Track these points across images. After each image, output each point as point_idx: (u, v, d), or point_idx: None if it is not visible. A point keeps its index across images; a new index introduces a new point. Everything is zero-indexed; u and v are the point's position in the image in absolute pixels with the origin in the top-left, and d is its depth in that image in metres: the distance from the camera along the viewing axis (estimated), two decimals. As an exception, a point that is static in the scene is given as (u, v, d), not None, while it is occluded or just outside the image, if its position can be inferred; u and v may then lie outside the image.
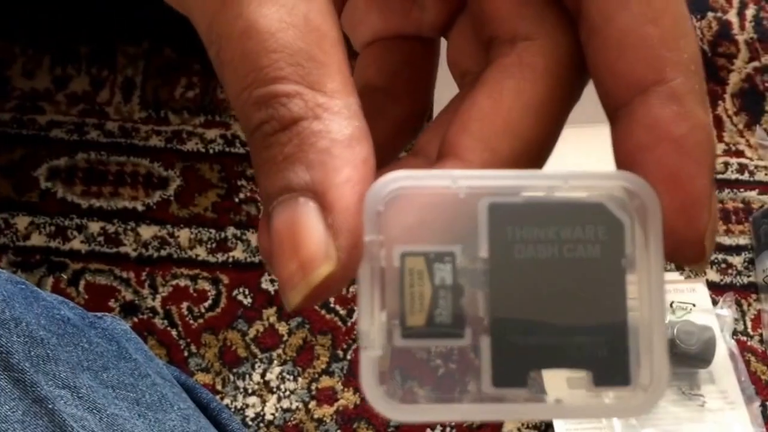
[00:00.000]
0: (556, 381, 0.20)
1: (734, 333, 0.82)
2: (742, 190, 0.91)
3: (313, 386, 0.78)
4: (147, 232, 0.83)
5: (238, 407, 0.77)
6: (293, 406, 0.77)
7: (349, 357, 0.79)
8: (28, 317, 0.52)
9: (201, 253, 0.83)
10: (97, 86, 0.91)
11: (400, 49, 0.26)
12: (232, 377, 0.78)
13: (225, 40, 0.19)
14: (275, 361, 0.79)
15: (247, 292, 0.81)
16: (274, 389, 0.78)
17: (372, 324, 0.20)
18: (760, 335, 0.83)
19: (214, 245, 0.83)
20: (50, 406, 0.48)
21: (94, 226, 0.83)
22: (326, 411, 0.77)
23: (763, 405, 0.79)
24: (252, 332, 0.80)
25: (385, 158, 0.23)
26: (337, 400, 0.78)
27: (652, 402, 0.20)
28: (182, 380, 0.67)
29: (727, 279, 0.86)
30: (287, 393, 0.78)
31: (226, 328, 0.80)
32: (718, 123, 0.94)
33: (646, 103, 0.20)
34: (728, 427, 0.77)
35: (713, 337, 0.77)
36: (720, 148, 0.92)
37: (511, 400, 0.20)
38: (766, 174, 0.92)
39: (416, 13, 0.25)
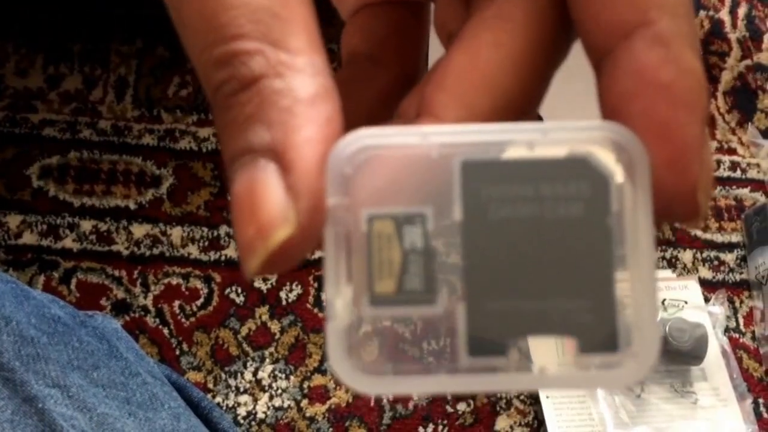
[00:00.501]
0: (539, 349, 0.19)
1: (726, 330, 0.82)
2: (734, 187, 0.91)
3: (305, 384, 0.78)
4: (139, 230, 0.83)
5: (230, 405, 0.77)
6: (285, 405, 0.77)
7: (341, 355, 0.79)
8: (19, 316, 0.52)
9: (193, 251, 0.83)
10: (90, 85, 0.91)
11: (388, 16, 0.25)
12: (223, 375, 0.78)
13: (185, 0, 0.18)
14: (267, 360, 0.79)
15: (239, 291, 0.81)
16: (266, 387, 0.78)
17: (338, 292, 0.19)
18: (753, 332, 0.83)
19: (206, 243, 0.83)
20: (40, 406, 0.48)
21: (86, 225, 0.83)
22: (318, 409, 0.77)
23: (755, 402, 0.79)
24: (244, 330, 0.80)
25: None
26: (329, 398, 0.78)
27: (642, 369, 0.18)
28: (173, 379, 0.67)
29: (720, 276, 0.86)
30: (279, 391, 0.78)
31: (218, 326, 0.80)
32: (711, 121, 0.94)
33: (630, 48, 0.18)
34: (720, 424, 0.77)
35: (705, 335, 0.77)
36: (712, 145, 0.93)
37: (490, 370, 0.19)
38: (758, 171, 0.92)
39: None
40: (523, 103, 0.20)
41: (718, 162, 0.92)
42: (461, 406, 0.78)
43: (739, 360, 0.81)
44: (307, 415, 0.77)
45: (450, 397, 0.78)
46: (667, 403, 0.78)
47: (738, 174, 0.92)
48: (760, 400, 0.80)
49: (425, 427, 0.77)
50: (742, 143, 0.94)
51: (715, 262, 0.87)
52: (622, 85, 0.18)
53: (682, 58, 0.18)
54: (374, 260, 0.19)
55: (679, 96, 0.18)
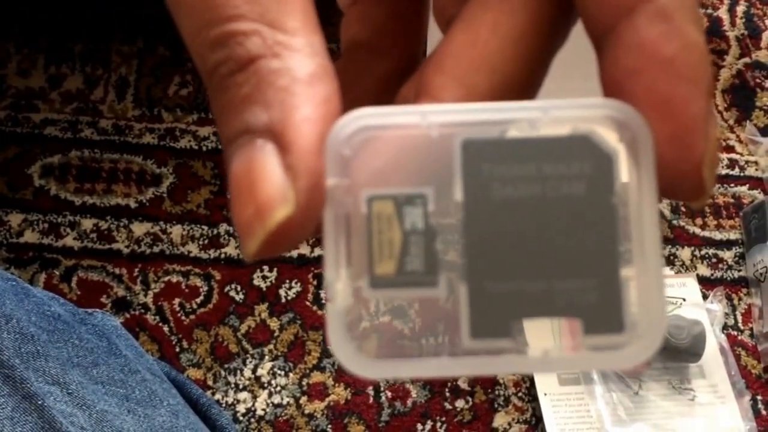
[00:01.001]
0: (543, 331, 0.19)
1: (725, 327, 0.82)
2: (732, 185, 0.91)
3: (305, 381, 0.78)
4: (140, 228, 0.84)
5: (230, 402, 0.77)
6: (284, 402, 0.77)
7: (340, 352, 0.80)
8: (19, 314, 0.52)
9: (193, 249, 0.83)
10: (91, 85, 0.91)
11: (386, 3, 0.24)
12: (223, 373, 0.78)
13: None
14: (266, 357, 0.79)
15: (238, 288, 0.82)
16: (266, 384, 0.78)
17: (338, 274, 0.19)
18: (751, 329, 0.83)
19: (206, 241, 0.84)
20: (40, 403, 0.48)
21: (87, 223, 0.84)
22: (317, 406, 0.78)
23: (753, 399, 0.79)
24: (243, 328, 0.80)
25: None
26: (328, 395, 0.78)
27: (648, 350, 0.18)
28: (172, 376, 0.67)
29: (718, 273, 0.86)
30: (278, 388, 0.78)
31: (217, 323, 0.80)
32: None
33: (632, 24, 0.18)
34: (718, 421, 0.77)
35: (703, 332, 0.77)
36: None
37: (493, 352, 0.18)
38: (756, 169, 0.92)
39: None
40: (522, 84, 0.20)
41: (717, 160, 0.93)
42: (460, 403, 0.78)
43: (738, 357, 0.81)
44: (306, 412, 0.77)
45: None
46: (665, 400, 0.78)
47: (736, 171, 0.92)
48: (759, 397, 0.80)
49: (423, 424, 0.77)
50: (740, 141, 0.94)
51: (714, 260, 0.87)
52: (624, 62, 0.18)
53: (684, 32, 0.18)
54: (374, 242, 0.19)
55: (682, 70, 0.18)
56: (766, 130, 0.94)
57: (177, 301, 0.81)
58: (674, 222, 0.88)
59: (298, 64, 0.18)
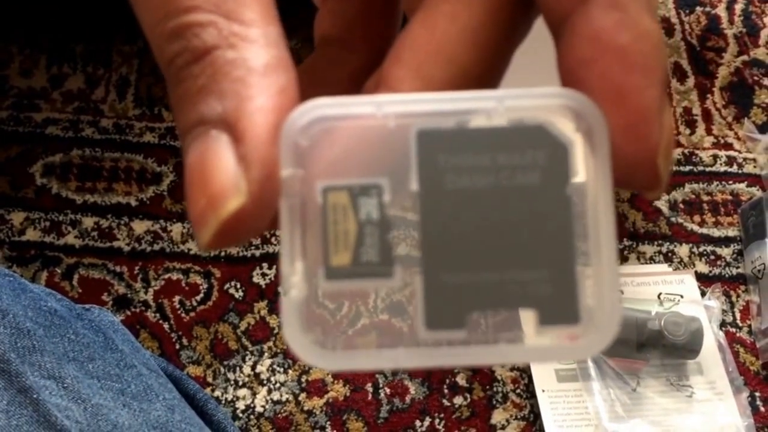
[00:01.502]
0: (498, 322, 0.19)
1: (723, 324, 0.82)
2: (730, 182, 0.91)
3: (303, 378, 0.79)
4: (140, 226, 0.84)
5: (229, 399, 0.78)
6: (283, 398, 0.78)
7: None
8: (16, 309, 0.53)
9: (193, 247, 0.84)
10: (93, 84, 0.92)
11: None
12: (223, 369, 0.79)
13: None
14: (266, 354, 0.80)
15: (238, 286, 0.82)
16: (265, 381, 0.78)
17: (293, 266, 0.18)
18: (749, 326, 0.83)
19: (206, 240, 0.84)
20: (35, 396, 0.49)
21: (88, 221, 0.84)
22: (316, 403, 0.78)
23: (751, 396, 0.79)
24: (243, 325, 0.81)
25: None
26: (326, 392, 0.78)
27: (604, 341, 0.18)
28: (170, 371, 0.68)
29: (716, 270, 0.86)
30: (277, 385, 0.78)
31: (217, 320, 0.81)
32: (707, 116, 0.94)
33: (586, 13, 0.18)
34: (716, 417, 0.77)
35: (701, 328, 0.77)
36: (709, 141, 0.93)
37: (448, 343, 0.18)
38: (754, 166, 0.92)
39: None
40: (481, 76, 0.20)
41: (715, 157, 0.93)
42: (458, 400, 0.79)
43: (736, 354, 0.81)
44: (305, 408, 0.78)
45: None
46: (663, 396, 0.78)
47: (735, 169, 0.92)
48: (757, 394, 0.80)
49: (422, 421, 0.78)
50: (738, 138, 0.94)
51: (712, 257, 0.87)
52: (579, 51, 0.18)
53: (638, 21, 0.18)
54: (329, 233, 0.18)
55: (635, 59, 0.18)
56: (764, 128, 0.94)
57: (177, 298, 0.81)
58: (672, 219, 0.88)
59: (253, 54, 0.18)
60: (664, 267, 0.85)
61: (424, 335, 0.18)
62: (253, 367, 0.79)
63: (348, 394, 0.78)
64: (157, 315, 0.80)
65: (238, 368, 0.79)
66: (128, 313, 0.80)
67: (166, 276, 0.82)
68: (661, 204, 0.89)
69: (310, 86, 0.20)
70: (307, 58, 0.24)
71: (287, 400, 0.78)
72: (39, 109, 0.89)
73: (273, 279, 0.83)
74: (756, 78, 0.97)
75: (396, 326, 0.18)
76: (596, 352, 0.18)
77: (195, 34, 0.18)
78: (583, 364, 0.78)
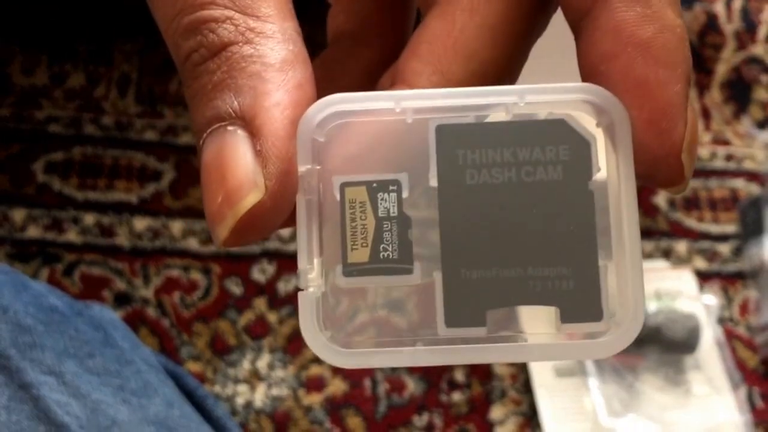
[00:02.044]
0: (521, 319, 0.19)
1: (721, 320, 0.83)
2: (729, 178, 0.91)
3: (303, 374, 0.79)
4: (141, 223, 0.85)
5: (229, 395, 0.78)
6: (282, 394, 0.78)
7: (337, 345, 0.80)
8: (16, 305, 0.53)
9: (193, 244, 0.84)
10: (94, 82, 0.92)
11: None
12: (222, 365, 0.79)
13: None
14: (265, 350, 0.80)
15: (238, 282, 0.83)
16: (264, 377, 0.79)
17: (311, 262, 0.18)
18: (747, 322, 0.83)
19: (206, 236, 0.85)
20: (35, 392, 0.49)
21: (89, 218, 0.85)
22: (315, 398, 0.78)
23: (749, 391, 0.80)
24: (242, 321, 0.81)
25: None
26: (325, 387, 0.79)
27: (628, 338, 0.18)
28: (169, 368, 0.68)
29: (714, 267, 0.86)
30: (277, 381, 0.79)
31: (217, 317, 0.81)
32: (706, 113, 0.94)
33: (608, 7, 0.18)
34: (714, 413, 0.77)
35: (698, 324, 0.78)
36: (707, 137, 0.93)
37: (468, 341, 0.18)
38: (752, 163, 0.92)
39: None
40: (499, 71, 0.19)
41: (713, 154, 0.93)
42: (456, 395, 0.79)
43: (734, 350, 0.81)
44: (304, 404, 0.78)
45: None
46: (661, 392, 0.78)
47: (733, 165, 0.92)
48: (755, 390, 0.80)
49: (420, 416, 0.78)
50: (737, 135, 0.94)
51: (710, 253, 0.87)
52: (601, 46, 0.18)
53: (662, 14, 0.17)
54: (347, 229, 0.18)
55: (658, 53, 0.17)
56: (762, 124, 0.94)
57: (177, 294, 0.82)
58: (670, 215, 0.89)
59: (270, 50, 0.18)
60: (662, 263, 0.85)
61: (444, 332, 0.18)
62: (253, 363, 0.79)
63: (347, 389, 0.79)
64: (158, 311, 0.81)
65: (237, 364, 0.79)
66: (129, 309, 0.81)
67: (167, 272, 0.83)
68: (659, 200, 0.89)
69: (323, 81, 0.19)
70: (321, 54, 0.24)
71: (286, 396, 0.78)
72: (40, 107, 0.90)
73: (272, 276, 0.83)
74: (754, 75, 0.97)
75: (415, 323, 0.18)
76: (619, 350, 0.18)
77: (211, 29, 0.18)
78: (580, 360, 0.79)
